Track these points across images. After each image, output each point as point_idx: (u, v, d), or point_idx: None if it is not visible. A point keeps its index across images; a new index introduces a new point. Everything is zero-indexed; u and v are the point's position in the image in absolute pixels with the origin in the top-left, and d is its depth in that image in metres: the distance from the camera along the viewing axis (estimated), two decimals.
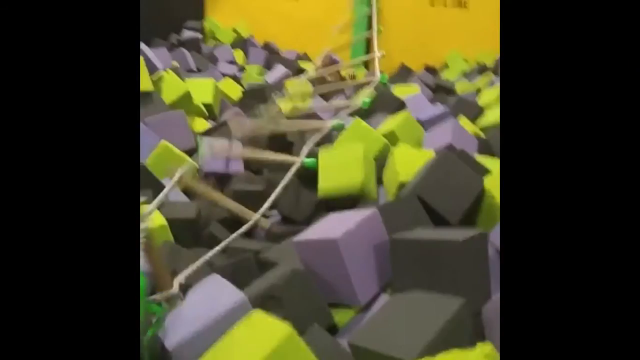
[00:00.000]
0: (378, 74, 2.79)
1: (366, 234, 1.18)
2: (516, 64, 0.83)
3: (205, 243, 1.56)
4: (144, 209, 1.42)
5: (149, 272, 1.13)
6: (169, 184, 1.59)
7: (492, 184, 1.49)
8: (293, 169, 1.69)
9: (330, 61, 4.53)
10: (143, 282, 1.04)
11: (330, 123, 2.09)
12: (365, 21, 4.05)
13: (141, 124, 2.00)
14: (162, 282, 1.15)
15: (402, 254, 1.10)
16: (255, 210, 1.63)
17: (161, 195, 1.44)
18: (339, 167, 1.63)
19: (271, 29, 5.36)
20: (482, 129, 2.42)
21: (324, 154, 1.70)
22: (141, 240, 1.09)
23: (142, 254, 1.11)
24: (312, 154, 1.84)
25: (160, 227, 1.42)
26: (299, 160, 1.74)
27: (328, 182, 1.65)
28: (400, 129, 2.09)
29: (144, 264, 1.12)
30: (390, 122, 2.17)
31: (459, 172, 1.46)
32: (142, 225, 1.16)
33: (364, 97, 2.46)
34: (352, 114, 2.43)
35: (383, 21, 5.21)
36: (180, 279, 1.19)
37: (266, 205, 1.55)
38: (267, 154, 1.96)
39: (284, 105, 3.14)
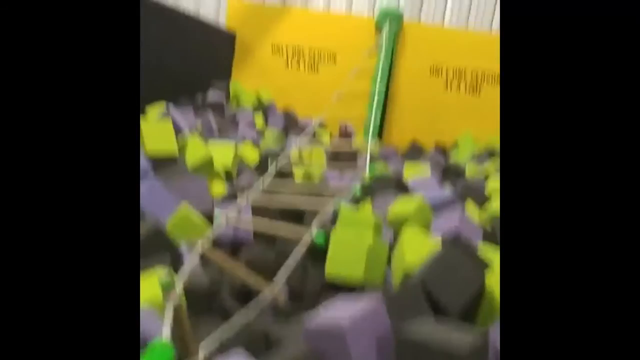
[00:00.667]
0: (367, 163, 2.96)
1: (371, 323, 1.25)
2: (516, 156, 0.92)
3: (216, 311, 1.63)
4: (163, 275, 1.50)
5: (176, 339, 1.19)
6: (189, 255, 1.68)
7: (493, 279, 1.57)
8: (303, 246, 1.77)
9: (344, 131, 4.72)
10: (170, 349, 1.11)
11: (335, 201, 2.20)
12: (381, 99, 4.25)
13: (164, 188, 2.11)
14: (188, 350, 1.20)
15: (408, 355, 1.16)
16: (266, 280, 1.71)
17: (186, 269, 1.52)
18: (345, 255, 1.72)
19: (292, 97, 5.62)
20: (488, 216, 2.51)
21: (334, 235, 1.79)
22: (171, 308, 1.17)
23: (171, 320, 1.18)
24: (324, 228, 1.92)
25: (158, 298, 1.48)
26: (310, 234, 1.82)
27: (334, 268, 1.74)
28: (414, 213, 2.18)
29: (171, 330, 1.19)
30: (404, 205, 2.26)
31: (462, 266, 1.54)
32: (174, 294, 1.25)
33: (355, 185, 2.60)
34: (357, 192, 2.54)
35: (398, 99, 5.49)
36: (204, 348, 1.24)
37: (279, 277, 1.62)
38: (279, 226, 2.05)
39: (298, 172, 3.27)
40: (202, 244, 1.75)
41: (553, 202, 0.88)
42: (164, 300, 1.34)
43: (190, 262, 1.62)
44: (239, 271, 1.72)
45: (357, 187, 2.56)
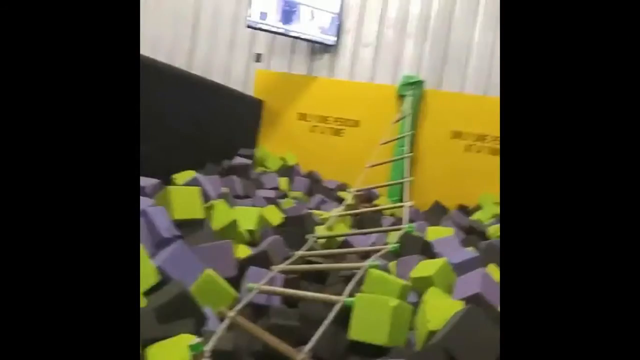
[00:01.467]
0: (407, 221, 2.96)
1: None
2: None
3: None
4: (186, 339, 1.54)
5: None
6: (218, 321, 1.72)
7: None
8: (334, 311, 1.77)
9: (368, 196, 4.78)
10: None
11: (367, 263, 2.21)
12: (402, 165, 4.34)
13: (190, 252, 2.17)
14: None
15: None
16: (290, 344, 1.72)
17: (214, 339, 1.56)
18: (370, 317, 1.73)
19: (315, 159, 5.78)
20: None
21: (359, 299, 1.80)
22: None
23: None
24: (351, 293, 1.94)
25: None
26: (341, 300, 1.83)
27: (359, 329, 1.74)
28: (437, 275, 2.19)
29: None
30: (427, 267, 2.27)
31: (483, 328, 1.53)
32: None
33: (392, 242, 2.60)
34: (384, 256, 2.55)
35: (421, 162, 5.59)
36: None
37: (309, 346, 1.62)
38: (308, 294, 2.07)
39: (321, 232, 3.32)
40: (230, 311, 1.79)
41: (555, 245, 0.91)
42: None
43: (221, 328, 1.65)
44: (267, 337, 1.73)
45: (395, 246, 2.57)
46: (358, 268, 2.20)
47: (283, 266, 2.38)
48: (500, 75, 1.09)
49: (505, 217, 0.98)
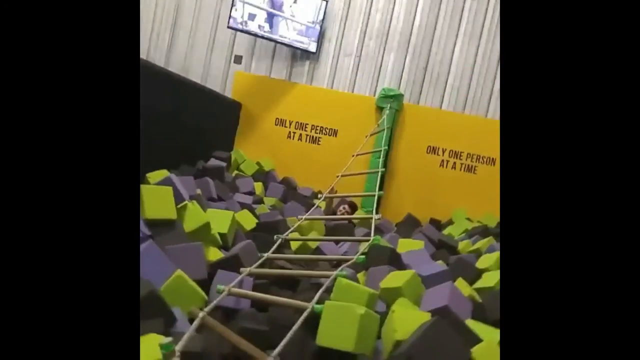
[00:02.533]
0: (373, 234, 3.01)
1: None
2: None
3: None
4: (156, 339, 1.52)
5: None
6: (188, 327, 1.70)
7: (481, 353, 1.59)
8: (303, 316, 1.78)
9: (340, 201, 4.80)
10: None
11: (335, 272, 2.23)
12: (376, 178, 4.39)
13: (161, 252, 2.15)
14: None
15: None
16: (258, 348, 1.72)
17: (185, 339, 1.54)
18: (338, 324, 1.74)
19: (291, 166, 5.79)
20: (478, 292, 2.54)
21: (328, 306, 1.82)
22: None
23: None
24: (320, 299, 1.95)
25: None
26: (310, 306, 1.84)
27: (326, 336, 1.75)
28: (406, 286, 2.22)
29: None
30: (397, 278, 2.31)
31: (449, 339, 1.56)
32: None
33: (359, 253, 2.66)
34: (354, 267, 2.58)
35: (396, 175, 5.67)
36: None
37: (277, 350, 1.62)
38: (277, 299, 2.07)
39: (293, 241, 3.32)
40: (201, 311, 1.77)
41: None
42: None
43: (192, 328, 1.64)
44: (236, 340, 1.73)
45: (361, 257, 2.60)
46: (327, 276, 2.22)
47: (252, 269, 2.38)
48: (501, 90, 1.12)
49: (505, 224, 1.01)
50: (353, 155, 4.74)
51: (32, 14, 0.93)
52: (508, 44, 1.07)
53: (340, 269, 2.36)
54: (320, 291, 1.99)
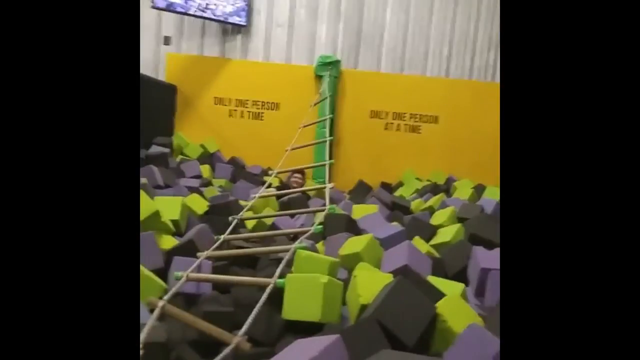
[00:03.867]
0: (327, 203, 3.00)
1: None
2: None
3: None
4: None
5: None
6: (148, 316, 1.65)
7: (445, 307, 1.63)
8: (266, 293, 1.76)
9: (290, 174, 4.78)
10: None
11: (294, 245, 2.22)
12: (324, 148, 4.38)
13: None
14: None
15: None
16: (225, 330, 1.69)
17: (145, 330, 1.49)
18: (302, 296, 1.74)
19: (237, 145, 5.68)
20: (435, 248, 2.61)
21: (290, 279, 1.81)
22: None
23: None
24: (281, 274, 1.94)
25: None
26: (272, 282, 1.83)
27: (292, 309, 1.75)
28: (365, 251, 2.24)
29: None
30: (355, 244, 2.32)
31: (413, 297, 1.59)
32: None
33: (316, 224, 2.64)
34: (312, 237, 2.58)
35: (342, 143, 5.68)
36: None
37: (243, 329, 1.60)
38: (238, 278, 2.04)
39: (248, 220, 3.28)
40: (160, 301, 1.72)
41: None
42: None
43: (151, 319, 1.59)
44: (201, 324, 1.70)
45: (319, 227, 2.60)
46: (286, 250, 2.20)
47: (209, 252, 2.33)
48: (501, 67, 1.10)
49: (505, 216, 1.00)
50: (299, 127, 4.70)
51: (31, 18, 0.92)
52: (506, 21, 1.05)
53: (298, 241, 2.36)
54: (281, 266, 1.98)
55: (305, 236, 2.51)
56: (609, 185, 0.91)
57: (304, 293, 1.76)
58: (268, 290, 1.79)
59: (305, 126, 4.80)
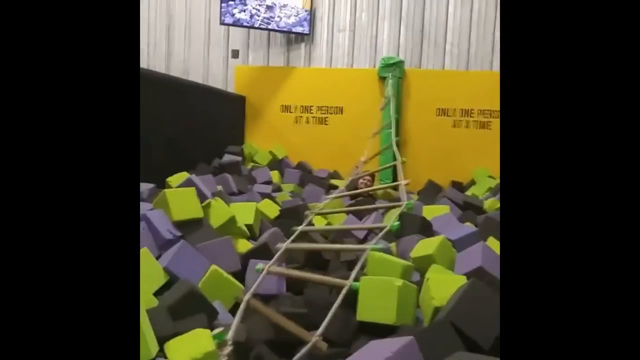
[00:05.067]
0: (405, 198, 2.97)
1: None
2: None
3: None
4: (202, 333, 1.56)
5: None
6: (229, 318, 1.76)
7: None
8: (342, 294, 1.81)
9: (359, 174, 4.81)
10: None
11: (369, 246, 2.24)
12: (391, 150, 4.37)
13: (194, 250, 2.20)
14: None
15: None
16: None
17: (234, 326, 1.59)
18: (377, 299, 1.77)
19: (303, 150, 5.80)
20: None
21: (365, 282, 1.84)
22: None
23: None
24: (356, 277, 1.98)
25: (215, 351, 1.54)
26: (348, 284, 1.87)
27: (366, 310, 1.78)
28: (437, 253, 2.23)
29: None
30: (427, 246, 2.31)
31: (487, 300, 1.57)
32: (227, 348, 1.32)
33: (393, 221, 2.60)
34: (384, 237, 2.58)
35: (409, 143, 5.63)
36: None
37: (320, 330, 1.66)
38: (316, 276, 2.11)
39: (318, 222, 3.34)
40: (246, 298, 1.82)
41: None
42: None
43: (238, 313, 1.69)
44: (282, 320, 1.77)
45: (395, 225, 2.58)
46: (362, 250, 2.23)
47: (288, 243, 2.42)
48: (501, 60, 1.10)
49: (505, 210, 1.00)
50: (370, 137, 4.72)
51: (33, 21, 0.93)
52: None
53: (374, 240, 2.36)
54: (357, 268, 2.01)
55: (380, 235, 2.50)
56: (613, 185, 0.89)
57: (378, 295, 1.78)
58: (344, 291, 1.83)
59: (375, 134, 4.82)
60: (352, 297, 1.85)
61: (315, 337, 1.60)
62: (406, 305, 1.79)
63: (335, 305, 1.74)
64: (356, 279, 1.90)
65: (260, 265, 2.15)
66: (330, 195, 3.64)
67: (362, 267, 2.10)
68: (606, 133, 0.92)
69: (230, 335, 1.53)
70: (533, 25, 1.00)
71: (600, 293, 0.86)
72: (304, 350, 1.56)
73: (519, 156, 0.98)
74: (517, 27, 1.02)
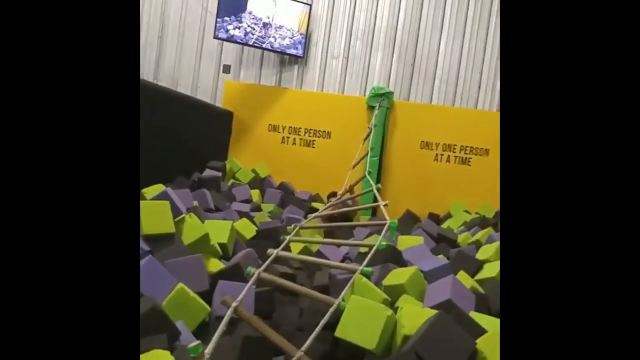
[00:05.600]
0: (388, 219, 2.94)
1: None
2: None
3: None
4: (160, 355, 1.52)
5: None
6: (192, 339, 1.71)
7: (485, 344, 1.59)
8: (329, 313, 1.81)
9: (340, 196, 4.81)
10: None
11: (361, 267, 2.24)
12: (375, 176, 4.41)
13: (161, 267, 2.15)
14: None
15: None
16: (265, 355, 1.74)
17: (217, 335, 1.56)
18: (362, 321, 1.77)
19: (287, 171, 5.80)
20: (480, 283, 2.55)
21: (354, 299, 1.85)
22: None
23: None
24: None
25: None
26: (336, 303, 1.87)
27: (348, 329, 1.77)
28: (409, 283, 2.24)
29: None
30: (399, 276, 2.32)
31: (453, 332, 1.57)
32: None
33: (379, 240, 2.55)
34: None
35: (391, 173, 5.67)
36: None
37: (307, 344, 1.64)
38: (306, 290, 2.11)
39: (295, 246, 3.32)
40: (234, 305, 1.78)
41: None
42: None
43: (225, 320, 1.66)
44: (268, 331, 1.74)
45: (383, 244, 2.53)
46: (354, 271, 2.23)
47: (279, 251, 2.44)
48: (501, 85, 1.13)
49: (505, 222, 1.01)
50: (350, 169, 4.75)
51: (32, 22, 0.94)
52: (507, 38, 1.07)
53: (365, 262, 2.33)
54: (346, 289, 2.02)
55: (371, 253, 2.44)
56: (612, 191, 0.91)
57: (364, 318, 1.78)
58: (332, 310, 1.83)
59: (354, 165, 4.85)
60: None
61: (299, 353, 1.59)
62: (386, 334, 1.79)
63: (321, 323, 1.73)
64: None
65: (250, 269, 2.12)
66: (309, 217, 3.62)
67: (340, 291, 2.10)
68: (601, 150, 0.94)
69: (209, 349, 1.48)
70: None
71: (598, 309, 0.86)
72: None
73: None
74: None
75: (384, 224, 2.85)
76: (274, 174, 5.76)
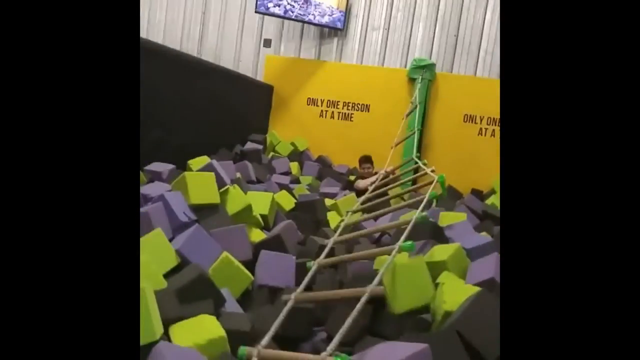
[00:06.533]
0: (435, 177, 2.91)
1: None
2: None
3: None
4: (207, 319, 1.56)
5: None
6: (236, 307, 1.74)
7: None
8: (363, 300, 1.61)
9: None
10: None
11: (399, 245, 2.18)
12: (414, 148, 4.33)
13: (207, 235, 2.21)
14: None
15: None
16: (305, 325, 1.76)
17: (279, 319, 1.58)
18: (409, 284, 1.89)
19: (325, 144, 5.80)
20: None
21: (397, 274, 1.91)
22: None
23: None
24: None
25: (220, 339, 1.55)
26: (369, 290, 1.68)
27: (403, 300, 1.87)
28: (451, 260, 2.20)
29: None
30: (441, 252, 2.29)
31: (495, 312, 1.55)
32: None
33: (418, 212, 2.42)
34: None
35: (432, 147, 5.57)
36: None
37: (332, 345, 1.55)
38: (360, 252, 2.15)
39: (333, 219, 3.34)
40: (294, 295, 1.81)
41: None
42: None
43: (285, 310, 1.66)
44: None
45: (424, 215, 2.39)
46: (388, 252, 2.17)
47: (336, 237, 2.46)
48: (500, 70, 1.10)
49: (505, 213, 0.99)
50: (392, 147, 4.65)
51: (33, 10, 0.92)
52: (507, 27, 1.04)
53: (404, 236, 2.25)
54: (380, 274, 1.92)
55: (410, 227, 2.35)
56: (613, 187, 0.89)
57: (411, 280, 1.89)
58: (364, 299, 1.62)
59: (396, 145, 4.75)
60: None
61: (325, 355, 1.49)
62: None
63: (354, 312, 1.62)
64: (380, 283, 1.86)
65: (310, 263, 2.16)
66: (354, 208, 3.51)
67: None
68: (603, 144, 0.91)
69: (264, 342, 1.43)
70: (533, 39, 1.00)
71: (600, 302, 0.85)
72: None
73: (519, 161, 0.98)
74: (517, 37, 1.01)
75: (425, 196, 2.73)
76: (312, 147, 5.77)
